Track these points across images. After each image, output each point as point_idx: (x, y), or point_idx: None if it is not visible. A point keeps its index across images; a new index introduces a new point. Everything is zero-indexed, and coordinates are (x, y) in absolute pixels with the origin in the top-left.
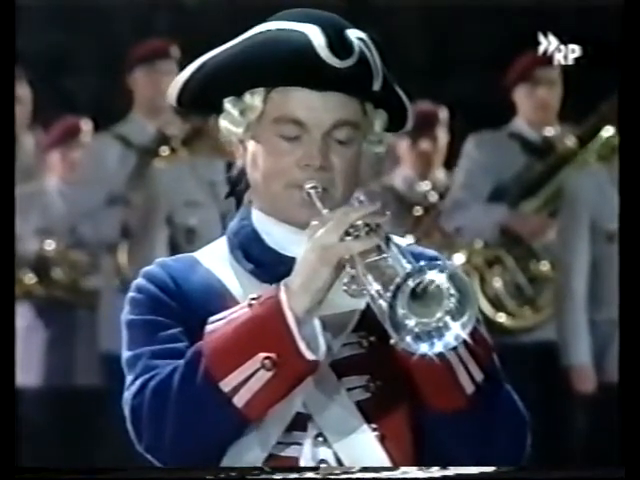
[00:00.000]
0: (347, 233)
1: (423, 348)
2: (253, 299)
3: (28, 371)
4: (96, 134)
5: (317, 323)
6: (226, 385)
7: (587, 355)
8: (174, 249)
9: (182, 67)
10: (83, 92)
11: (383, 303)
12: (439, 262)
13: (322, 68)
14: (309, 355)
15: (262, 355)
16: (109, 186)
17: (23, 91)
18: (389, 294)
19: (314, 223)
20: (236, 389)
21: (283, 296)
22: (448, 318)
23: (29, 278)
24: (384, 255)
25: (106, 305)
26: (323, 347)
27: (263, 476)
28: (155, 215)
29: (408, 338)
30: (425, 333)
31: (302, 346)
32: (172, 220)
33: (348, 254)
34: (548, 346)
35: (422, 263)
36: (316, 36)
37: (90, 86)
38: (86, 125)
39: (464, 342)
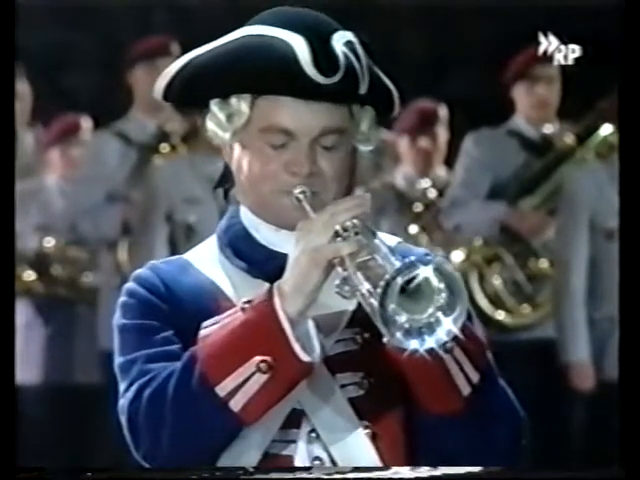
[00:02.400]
0: (336, 234)
1: (414, 344)
2: (246, 303)
3: (27, 368)
4: (96, 131)
5: (311, 325)
6: (222, 390)
7: (586, 352)
8: (173, 246)
9: None
10: (83, 89)
11: (373, 301)
12: (428, 257)
13: (307, 83)
14: (304, 357)
15: (257, 358)
16: (109, 183)
17: (23, 88)
18: (379, 290)
19: (302, 224)
20: (232, 393)
21: (276, 299)
22: (439, 314)
23: (29, 275)
24: (373, 255)
25: (106, 302)
26: (318, 348)
27: (257, 475)
28: (155, 212)
29: (399, 334)
30: (416, 329)
31: (297, 348)
32: (172, 217)
33: (337, 256)
34: (547, 344)
35: (411, 258)
36: (301, 50)
37: (90, 83)
38: (86, 122)
39: (459, 343)
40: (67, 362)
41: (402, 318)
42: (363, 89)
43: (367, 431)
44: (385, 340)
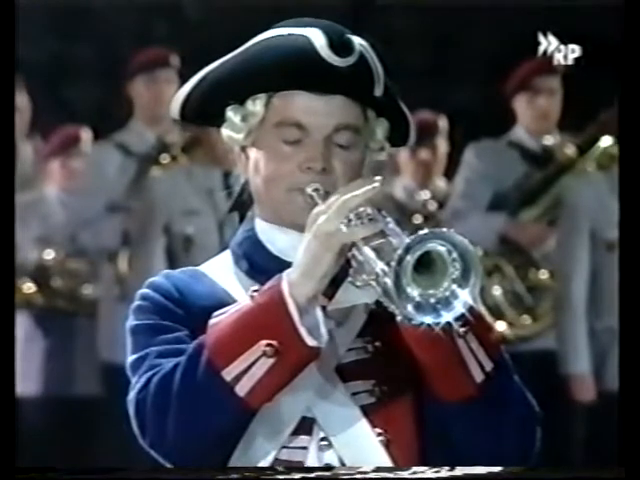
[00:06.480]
0: (350, 221)
1: (428, 320)
2: (255, 291)
3: (27, 380)
4: (96, 143)
5: (319, 311)
6: (228, 374)
7: (587, 364)
8: (171, 258)
9: (182, 76)
10: (82, 101)
11: (387, 280)
12: (438, 231)
13: (323, 68)
14: (310, 341)
15: (263, 342)
16: (109, 194)
17: (22, 100)
18: (393, 263)
19: (315, 211)
20: (238, 378)
21: (284, 284)
22: (455, 286)
23: (28, 287)
24: (387, 238)
25: (106, 314)
26: (325, 334)
27: (278, 476)
28: (153, 224)
29: (410, 307)
30: (430, 304)
31: (303, 332)
32: (170, 229)
33: (351, 240)
34: (548, 355)
35: (421, 232)
36: (317, 37)
37: (90, 95)
38: (85, 134)
39: (472, 330)
40: (67, 374)
41: (414, 292)
42: (378, 91)
43: (380, 438)
44: (398, 319)
